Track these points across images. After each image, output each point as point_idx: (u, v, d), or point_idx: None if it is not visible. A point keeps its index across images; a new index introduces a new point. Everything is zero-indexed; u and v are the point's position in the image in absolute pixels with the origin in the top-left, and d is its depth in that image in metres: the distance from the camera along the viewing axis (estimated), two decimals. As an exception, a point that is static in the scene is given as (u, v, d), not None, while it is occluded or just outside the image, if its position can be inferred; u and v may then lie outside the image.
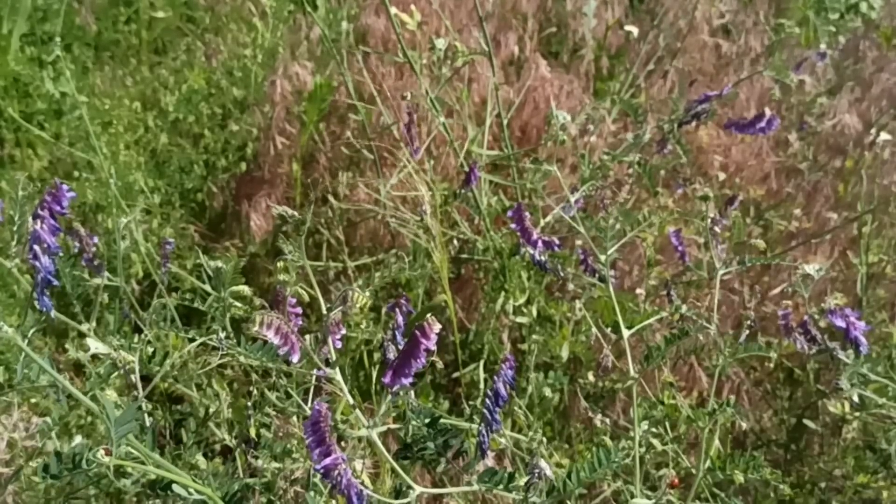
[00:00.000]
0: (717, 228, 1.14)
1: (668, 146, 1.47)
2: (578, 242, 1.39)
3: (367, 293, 0.77)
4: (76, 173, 1.99)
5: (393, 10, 1.49)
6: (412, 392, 0.87)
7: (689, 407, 1.13)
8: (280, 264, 0.90)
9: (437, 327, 0.75)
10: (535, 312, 1.51)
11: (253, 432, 1.05)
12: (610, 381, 1.45)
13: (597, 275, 1.29)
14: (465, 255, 1.63)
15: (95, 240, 1.15)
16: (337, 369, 0.77)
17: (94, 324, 1.06)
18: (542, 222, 1.38)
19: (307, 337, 0.76)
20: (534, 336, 1.46)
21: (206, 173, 2.10)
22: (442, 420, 0.86)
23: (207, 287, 1.13)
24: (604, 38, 2.23)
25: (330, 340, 0.78)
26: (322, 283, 1.61)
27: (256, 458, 1.00)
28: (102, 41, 2.54)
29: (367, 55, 1.83)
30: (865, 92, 2.05)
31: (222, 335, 0.85)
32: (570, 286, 1.47)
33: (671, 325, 1.19)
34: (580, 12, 2.20)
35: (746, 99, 2.01)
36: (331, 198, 1.72)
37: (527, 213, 1.15)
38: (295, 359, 0.73)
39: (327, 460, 0.72)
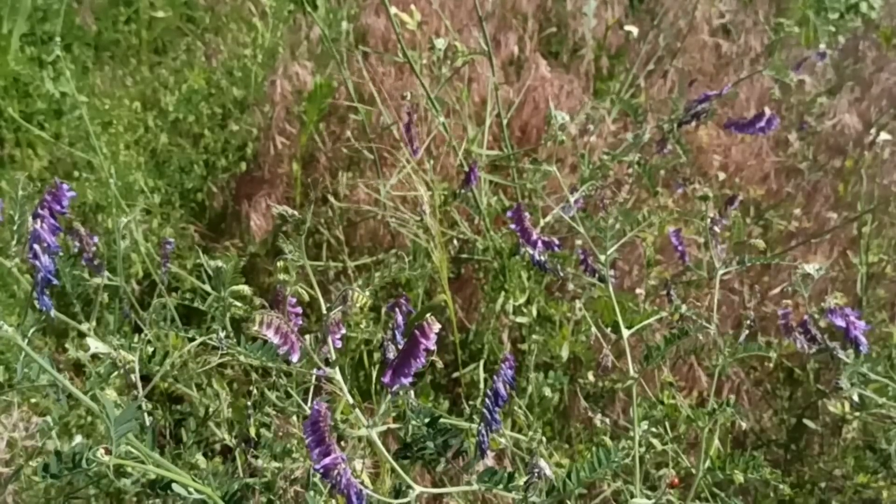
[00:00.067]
0: (716, 228, 1.14)
1: (668, 146, 1.47)
2: (578, 242, 1.39)
3: (367, 293, 0.77)
4: (76, 173, 1.99)
5: (393, 9, 1.49)
6: (412, 392, 0.87)
7: (688, 407, 1.13)
8: (280, 264, 0.90)
9: (437, 327, 0.75)
10: (534, 312, 1.51)
11: (253, 432, 1.05)
12: (610, 381, 1.45)
13: (597, 275, 1.29)
14: (464, 255, 1.63)
15: (95, 239, 1.15)
16: (337, 369, 0.77)
17: (94, 323, 1.06)
18: (541, 222, 1.38)
19: (307, 336, 0.76)
20: (534, 336, 1.46)
21: (206, 173, 2.10)
22: (441, 420, 0.86)
23: (207, 287, 1.13)
24: (604, 38, 2.23)
25: (330, 340, 0.78)
26: (322, 283, 1.61)
27: (256, 457, 1.00)
28: (102, 41, 2.54)
29: (366, 55, 1.83)
30: (865, 92, 2.05)
31: (222, 335, 0.85)
32: (570, 286, 1.47)
33: (671, 325, 1.19)
34: (580, 12, 2.20)
35: (746, 99, 2.01)
36: (331, 198, 1.72)
37: (526, 213, 1.15)
38: (295, 358, 0.73)
39: (327, 460, 0.72)
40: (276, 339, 0.72)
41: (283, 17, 2.24)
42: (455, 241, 1.57)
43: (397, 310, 0.92)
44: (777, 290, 1.68)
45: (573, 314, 1.44)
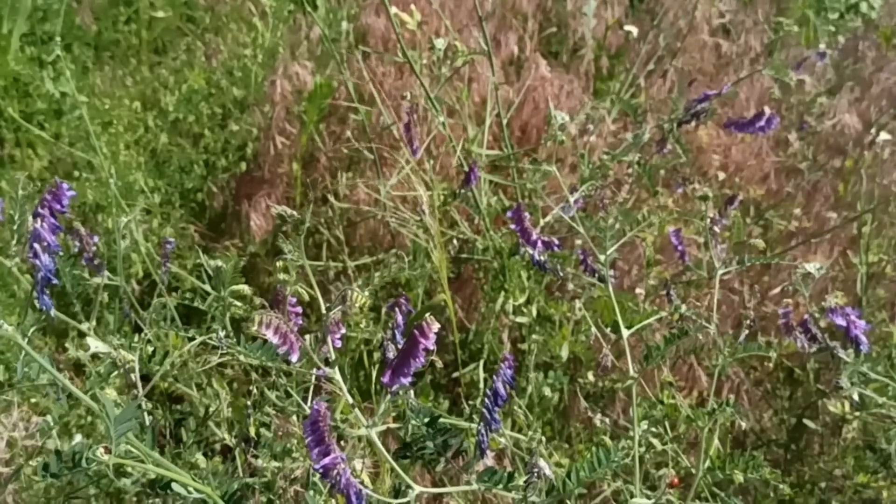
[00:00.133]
0: (716, 228, 1.14)
1: (668, 146, 1.46)
2: (578, 242, 1.39)
3: (367, 293, 0.77)
4: (76, 173, 1.99)
5: (393, 9, 1.49)
6: (412, 391, 0.87)
7: (688, 406, 1.13)
8: (280, 264, 0.90)
9: (436, 327, 0.75)
10: (534, 312, 1.51)
11: (253, 431, 1.05)
12: (610, 381, 1.45)
13: (596, 274, 1.29)
14: (464, 255, 1.63)
15: (95, 239, 1.15)
16: (336, 369, 0.77)
17: (94, 323, 1.06)
18: (541, 222, 1.38)
19: (307, 336, 0.76)
20: (533, 336, 1.46)
21: (206, 173, 2.10)
22: (441, 419, 0.86)
23: (207, 287, 1.13)
24: (603, 37, 2.23)
25: (329, 340, 0.78)
26: (322, 283, 1.61)
27: (256, 457, 1.00)
28: (102, 41, 2.54)
29: (366, 55, 1.83)
30: (865, 92, 2.05)
31: (222, 334, 0.85)
32: (570, 286, 1.47)
33: (671, 325, 1.19)
34: (580, 12, 2.20)
35: (746, 98, 2.01)
36: (331, 198, 1.72)
37: (526, 213, 1.15)
38: (294, 358, 0.73)
39: (326, 460, 0.72)
40: (275, 339, 0.72)
41: (283, 17, 2.24)
42: (455, 241, 1.57)
43: (397, 309, 0.92)
44: (777, 290, 1.68)
45: (573, 314, 1.44)
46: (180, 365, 1.12)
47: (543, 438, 0.89)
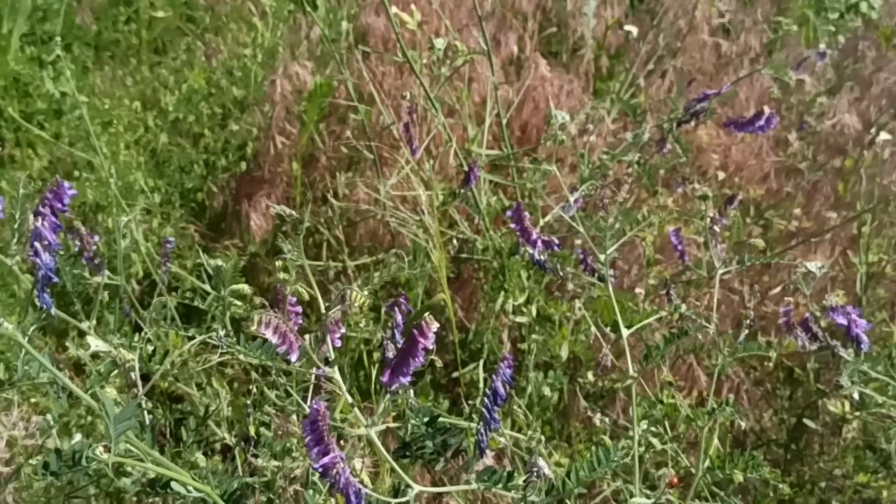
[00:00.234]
0: (716, 228, 1.14)
1: (668, 145, 1.47)
2: (578, 242, 1.39)
3: (366, 292, 0.77)
4: (76, 173, 1.99)
5: (393, 9, 1.49)
6: (411, 391, 0.87)
7: (688, 406, 1.13)
8: (279, 263, 0.90)
9: (435, 326, 0.75)
10: (534, 312, 1.51)
11: (252, 431, 1.05)
12: (609, 381, 1.45)
13: (596, 274, 1.29)
14: (464, 255, 1.63)
15: (96, 238, 1.15)
16: (336, 368, 0.77)
17: (94, 322, 1.06)
18: (541, 222, 1.38)
19: (307, 336, 0.76)
20: (533, 335, 1.46)
21: (206, 173, 2.10)
22: (441, 419, 0.86)
23: (207, 286, 1.13)
24: (603, 37, 2.23)
25: (329, 339, 0.78)
26: (322, 283, 1.61)
27: (256, 456, 1.00)
28: (102, 41, 2.54)
29: (366, 55, 1.83)
30: (865, 91, 2.05)
31: (222, 334, 0.85)
32: (570, 286, 1.47)
33: (670, 325, 1.19)
34: (580, 12, 2.20)
35: (746, 98, 2.01)
36: (330, 197, 1.72)
37: (526, 213, 1.15)
38: (294, 357, 0.73)
39: (325, 459, 0.72)
40: (275, 339, 0.73)
41: (283, 17, 2.24)
42: (455, 241, 1.57)
43: (396, 309, 0.92)
44: (777, 290, 1.68)
45: (573, 314, 1.44)
46: (180, 364, 1.12)
47: (543, 438, 0.89)
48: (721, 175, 1.68)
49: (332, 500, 0.94)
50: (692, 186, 1.16)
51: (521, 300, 1.51)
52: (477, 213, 1.55)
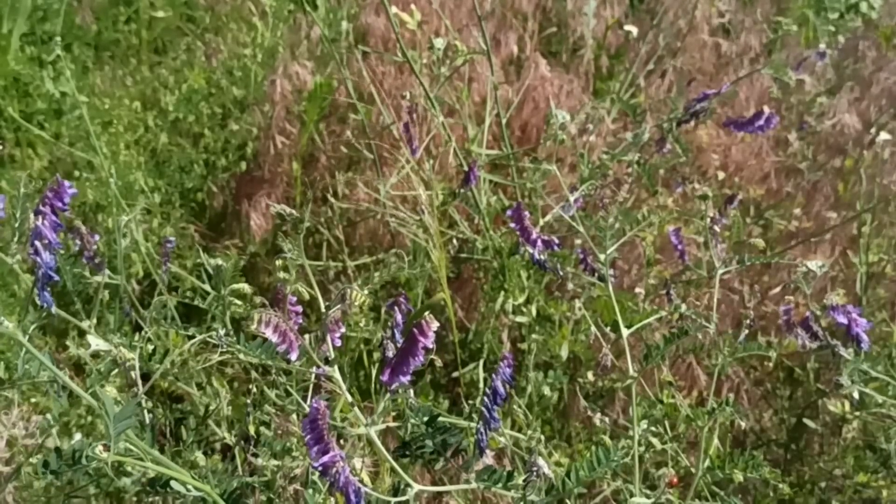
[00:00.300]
0: (716, 227, 1.14)
1: (668, 145, 1.47)
2: (578, 242, 1.39)
3: (366, 292, 0.77)
4: (76, 173, 1.99)
5: (393, 9, 1.49)
6: (411, 390, 0.87)
7: (688, 406, 1.13)
8: (279, 263, 0.90)
9: (435, 325, 0.75)
10: (534, 312, 1.51)
11: (252, 430, 1.05)
12: (609, 380, 1.45)
13: (596, 274, 1.29)
14: (464, 255, 1.63)
15: (96, 238, 1.15)
16: (336, 367, 0.77)
17: (94, 321, 1.06)
18: (541, 221, 1.38)
19: (306, 335, 0.76)
20: (533, 335, 1.46)
21: (206, 173, 2.10)
22: (441, 418, 0.86)
23: (207, 286, 1.13)
24: (603, 37, 2.23)
25: (329, 339, 0.78)
26: (322, 283, 1.61)
27: (256, 455, 1.00)
28: (102, 41, 2.54)
29: (366, 55, 1.83)
30: (865, 91, 2.05)
31: (222, 333, 0.85)
32: (570, 285, 1.47)
33: (670, 325, 1.19)
34: (580, 12, 2.20)
35: (746, 98, 2.01)
36: (330, 197, 1.72)
37: (526, 213, 1.15)
38: (293, 357, 0.74)
39: (325, 458, 0.72)
40: (275, 338, 0.73)
41: (283, 17, 2.24)
42: (454, 241, 1.57)
43: (396, 308, 0.92)
44: (777, 290, 1.68)
45: (573, 313, 1.44)
46: (180, 363, 1.12)
47: (543, 437, 0.89)
48: (721, 175, 1.68)
49: (332, 499, 0.94)
50: (692, 186, 1.17)
51: (521, 300, 1.51)
52: (477, 212, 1.55)
